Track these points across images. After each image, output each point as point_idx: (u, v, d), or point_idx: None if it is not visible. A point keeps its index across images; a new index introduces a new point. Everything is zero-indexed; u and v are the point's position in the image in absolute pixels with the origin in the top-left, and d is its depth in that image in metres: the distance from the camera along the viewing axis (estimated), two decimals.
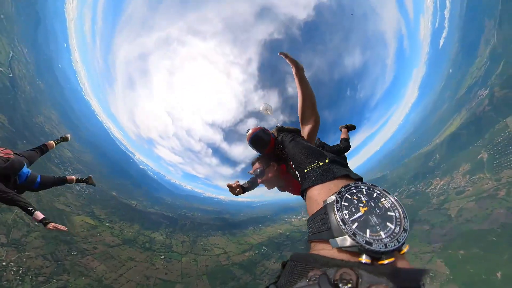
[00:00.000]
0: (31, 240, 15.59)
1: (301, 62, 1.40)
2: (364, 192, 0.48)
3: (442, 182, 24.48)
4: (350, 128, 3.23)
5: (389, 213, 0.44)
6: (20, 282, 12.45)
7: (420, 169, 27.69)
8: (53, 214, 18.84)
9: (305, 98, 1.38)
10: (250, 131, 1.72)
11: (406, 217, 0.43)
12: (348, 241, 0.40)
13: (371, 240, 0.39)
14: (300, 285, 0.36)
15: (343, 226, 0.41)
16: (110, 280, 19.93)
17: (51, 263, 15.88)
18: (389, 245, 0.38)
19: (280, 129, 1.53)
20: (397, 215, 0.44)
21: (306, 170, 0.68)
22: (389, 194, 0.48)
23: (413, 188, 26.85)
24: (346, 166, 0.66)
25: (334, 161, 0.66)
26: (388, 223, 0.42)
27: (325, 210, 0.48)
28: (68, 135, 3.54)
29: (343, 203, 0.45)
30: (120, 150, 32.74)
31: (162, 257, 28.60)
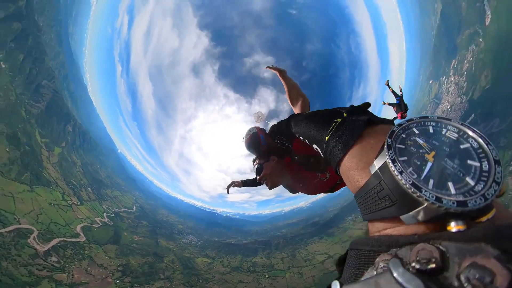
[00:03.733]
0: (176, 276, 27.05)
1: (284, 68, 1.76)
2: (417, 132, 0.30)
3: None
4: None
5: (462, 146, 0.27)
6: None
7: None
8: (184, 259, 31.08)
9: (289, 86, 1.72)
10: (247, 137, 1.64)
11: (489, 143, 0.26)
12: (431, 211, 0.25)
13: (464, 198, 0.23)
14: (367, 278, 0.25)
15: (418, 193, 0.25)
16: None
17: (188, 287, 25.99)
18: (488, 194, 0.23)
19: (273, 125, 1.54)
20: (475, 145, 0.27)
21: (327, 138, 0.48)
22: (449, 120, 0.30)
23: None
24: (368, 112, 0.50)
25: (353, 111, 0.49)
26: (469, 162, 0.26)
27: (378, 179, 0.31)
28: None
29: (400, 159, 0.28)
30: (206, 211, 47.89)
31: (267, 276, 33.08)
